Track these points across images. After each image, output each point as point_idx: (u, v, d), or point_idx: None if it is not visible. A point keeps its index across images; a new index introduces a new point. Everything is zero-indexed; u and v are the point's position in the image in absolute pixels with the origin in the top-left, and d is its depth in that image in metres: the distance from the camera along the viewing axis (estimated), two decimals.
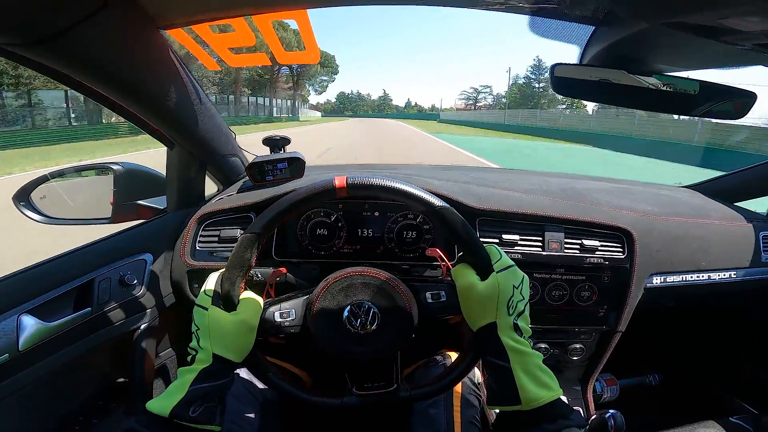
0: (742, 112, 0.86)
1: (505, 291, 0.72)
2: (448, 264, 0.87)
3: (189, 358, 0.74)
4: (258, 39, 0.87)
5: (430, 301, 0.82)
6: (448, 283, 0.83)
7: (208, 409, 0.69)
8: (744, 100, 0.85)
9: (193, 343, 0.74)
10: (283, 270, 0.98)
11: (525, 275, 0.77)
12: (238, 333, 0.74)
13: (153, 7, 0.73)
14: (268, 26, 0.81)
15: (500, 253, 0.78)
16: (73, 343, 0.94)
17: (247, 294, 0.79)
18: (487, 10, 0.81)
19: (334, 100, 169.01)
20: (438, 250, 0.89)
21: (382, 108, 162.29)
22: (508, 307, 0.72)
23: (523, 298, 0.74)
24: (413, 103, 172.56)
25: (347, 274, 0.81)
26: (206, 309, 0.74)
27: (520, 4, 0.77)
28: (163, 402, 0.68)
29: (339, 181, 0.75)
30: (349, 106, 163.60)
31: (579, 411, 1.43)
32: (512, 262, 0.77)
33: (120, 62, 0.75)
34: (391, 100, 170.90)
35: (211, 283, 0.78)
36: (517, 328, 0.72)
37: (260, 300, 0.80)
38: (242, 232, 1.13)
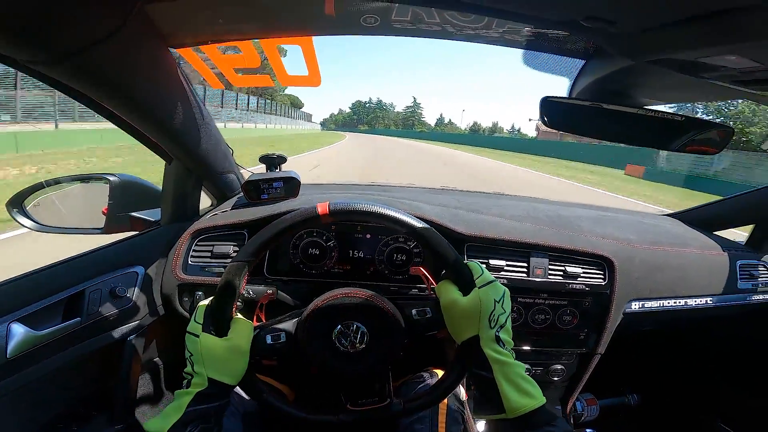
0: (722, 144, 0.91)
1: (486, 305, 0.76)
2: (433, 281, 0.90)
3: (184, 382, 0.76)
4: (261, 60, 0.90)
5: (416, 317, 0.85)
6: (433, 300, 0.86)
7: (204, 430, 0.71)
8: (723, 131, 0.90)
9: (188, 369, 0.76)
10: (272, 295, 1.01)
11: (506, 289, 0.80)
12: (231, 358, 0.77)
13: (166, 26, 0.76)
14: (273, 50, 0.85)
15: (482, 269, 0.81)
16: (61, 352, 0.94)
17: (238, 318, 0.81)
18: (484, 43, 0.85)
19: (347, 110, 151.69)
20: (422, 269, 0.92)
21: (410, 123, 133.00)
22: (489, 320, 0.75)
23: (504, 312, 0.78)
24: (446, 120, 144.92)
25: (336, 295, 0.84)
26: (197, 336, 0.76)
27: (515, 39, 0.82)
28: (160, 422, 0.69)
29: (321, 208, 0.78)
30: (365, 119, 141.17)
31: (563, 419, 1.45)
32: (493, 278, 0.80)
33: (132, 79, 0.77)
34: (421, 112, 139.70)
35: (201, 310, 0.80)
36: (499, 340, 0.75)
37: (251, 324, 0.82)
38: (235, 248, 1.15)
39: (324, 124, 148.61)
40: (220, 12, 0.76)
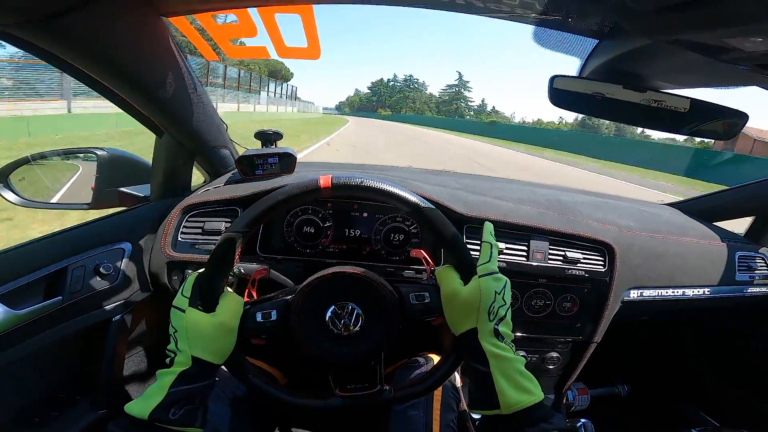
0: (731, 132, 0.89)
1: (486, 297, 0.73)
2: (433, 265, 0.87)
3: (168, 360, 0.72)
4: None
5: (414, 302, 0.82)
6: (432, 285, 0.83)
7: (189, 411, 0.68)
8: (734, 120, 0.87)
9: (171, 346, 0.72)
10: (264, 272, 0.97)
11: (507, 280, 0.77)
12: (218, 335, 0.73)
13: None
14: (271, 19, 0.80)
15: (490, 256, 0.77)
16: (41, 333, 0.90)
17: (228, 294, 0.77)
18: (493, 17, 0.81)
19: (366, 90, 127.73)
20: (423, 252, 0.90)
21: (452, 109, 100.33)
22: (489, 313, 0.72)
23: (505, 304, 0.75)
24: (489, 108, 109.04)
25: (331, 273, 0.80)
26: (183, 311, 0.72)
27: (526, 14, 0.78)
28: (141, 404, 0.66)
29: (324, 181, 0.74)
30: (387, 101, 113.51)
31: (560, 415, 1.46)
32: (496, 269, 0.77)
33: (118, 47, 0.73)
34: (470, 92, 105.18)
35: (189, 283, 0.76)
36: (497, 334, 0.73)
37: (241, 300, 0.78)
38: (227, 224, 1.11)
39: (339, 108, 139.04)
40: None
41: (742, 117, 0.84)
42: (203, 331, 0.71)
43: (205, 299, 0.74)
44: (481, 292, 0.73)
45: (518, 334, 1.27)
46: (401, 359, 1.17)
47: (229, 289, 0.78)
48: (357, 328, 0.79)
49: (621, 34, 0.74)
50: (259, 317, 0.78)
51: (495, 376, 0.70)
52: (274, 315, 0.79)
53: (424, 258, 0.89)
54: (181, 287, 0.76)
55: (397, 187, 0.76)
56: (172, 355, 0.71)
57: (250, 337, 0.78)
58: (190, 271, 1.10)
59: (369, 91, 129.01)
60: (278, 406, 0.80)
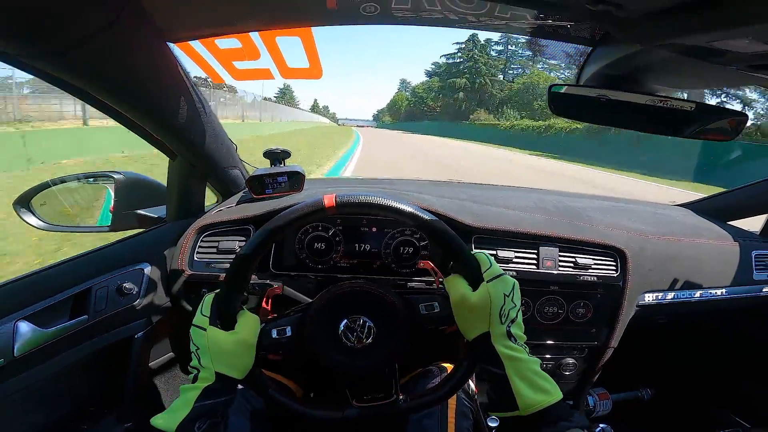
0: (734, 132, 0.89)
1: (496, 301, 0.74)
2: (440, 275, 0.88)
3: (191, 376, 0.75)
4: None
5: (424, 312, 0.83)
6: (442, 294, 0.84)
7: (213, 425, 0.70)
8: (736, 119, 0.87)
9: (194, 363, 0.75)
10: (278, 290, 1.01)
11: (515, 282, 0.78)
12: (238, 352, 0.75)
13: (163, 20, 0.75)
14: (273, 42, 0.84)
15: (490, 262, 0.79)
16: (68, 350, 0.95)
17: (245, 313, 0.80)
18: (489, 31, 0.83)
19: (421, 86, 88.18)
20: (430, 263, 0.91)
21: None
22: (500, 316, 0.73)
23: (515, 305, 0.76)
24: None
25: (342, 289, 0.82)
26: (204, 330, 0.75)
27: (520, 25, 0.80)
28: (168, 418, 0.68)
29: (328, 200, 0.76)
30: (453, 107, 67.62)
31: (580, 413, 1.44)
32: (502, 271, 0.78)
33: (129, 74, 0.76)
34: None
35: (207, 303, 0.79)
36: (510, 336, 0.73)
37: (257, 318, 0.81)
38: (241, 243, 1.14)
39: (377, 118, 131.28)
40: (218, 6, 0.75)
41: (743, 117, 0.84)
42: (225, 347, 0.74)
43: (224, 318, 0.76)
44: (490, 296, 0.74)
45: (532, 341, 1.26)
46: (415, 369, 1.17)
47: (245, 308, 0.81)
48: (369, 341, 0.80)
49: (612, 40, 0.76)
50: (274, 334, 0.81)
51: (511, 377, 0.70)
52: (288, 331, 0.82)
53: (432, 269, 0.91)
54: (200, 307, 0.79)
55: (400, 202, 0.78)
56: (196, 372, 0.74)
57: (266, 353, 0.81)
58: (206, 290, 1.13)
59: (422, 87, 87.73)
60: (296, 418, 0.82)
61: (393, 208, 0.77)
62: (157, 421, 0.68)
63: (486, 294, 0.74)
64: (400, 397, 0.82)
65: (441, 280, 0.86)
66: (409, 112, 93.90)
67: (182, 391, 0.73)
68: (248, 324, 0.78)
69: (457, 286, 0.78)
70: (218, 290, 0.79)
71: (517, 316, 0.76)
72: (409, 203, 0.79)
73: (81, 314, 0.96)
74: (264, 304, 0.95)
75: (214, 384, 0.72)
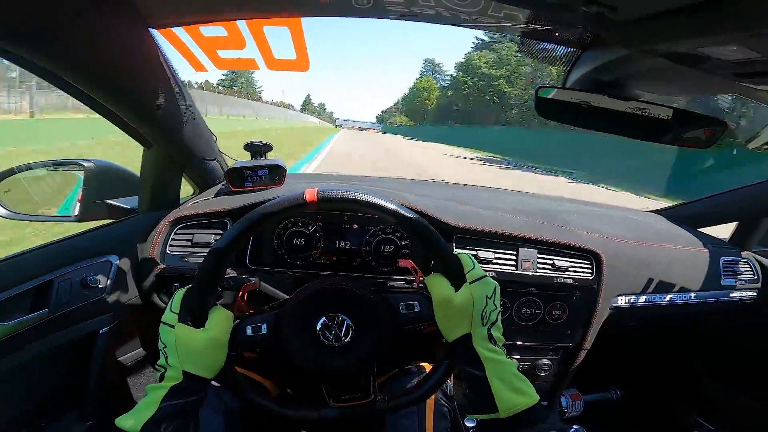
0: (711, 140, 0.91)
1: (478, 302, 0.74)
2: (421, 274, 0.87)
3: (158, 375, 0.72)
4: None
5: (404, 311, 0.82)
6: (422, 294, 0.84)
7: (180, 426, 0.68)
8: (714, 128, 0.90)
9: (161, 361, 0.72)
10: (255, 285, 0.98)
11: (497, 284, 0.78)
12: (208, 350, 0.73)
13: (145, 5, 0.71)
14: (260, 32, 0.81)
15: (473, 263, 0.79)
16: (29, 344, 0.90)
17: (217, 309, 0.77)
18: (480, 29, 0.83)
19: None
20: (410, 261, 0.90)
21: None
22: (482, 318, 0.73)
23: (496, 308, 0.76)
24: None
25: (321, 286, 0.81)
26: (173, 327, 0.72)
27: (511, 25, 0.80)
28: (132, 419, 0.66)
29: (309, 195, 0.74)
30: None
31: (556, 415, 1.47)
32: (484, 273, 0.78)
33: (107, 60, 0.73)
34: None
35: (177, 299, 0.76)
36: (491, 338, 0.74)
37: (230, 315, 0.78)
38: (217, 237, 1.11)
39: (382, 120, 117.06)
40: None
41: (721, 125, 0.86)
42: (193, 346, 0.71)
43: (194, 315, 0.74)
44: (473, 297, 0.74)
45: (509, 342, 1.28)
46: (393, 369, 1.17)
47: (218, 304, 0.78)
48: (348, 339, 0.79)
49: (601, 44, 0.76)
50: (249, 331, 0.79)
51: (491, 379, 0.70)
52: (264, 328, 0.79)
53: (413, 267, 0.90)
54: (170, 303, 0.76)
55: (384, 199, 0.77)
56: (162, 370, 0.71)
57: (241, 351, 0.78)
58: (177, 285, 1.09)
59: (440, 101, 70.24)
60: (272, 418, 0.79)
61: (376, 204, 0.76)
62: (121, 421, 0.65)
63: (468, 295, 0.74)
64: (379, 397, 0.81)
65: (422, 279, 0.86)
66: (444, 110, 64.83)
67: (149, 390, 0.70)
68: (220, 321, 0.75)
69: (439, 286, 0.78)
70: (190, 285, 0.76)
71: (497, 319, 0.76)
72: (391, 200, 0.77)
73: (42, 308, 0.91)
74: (239, 300, 0.92)
75: (181, 383, 0.70)
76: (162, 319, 0.74)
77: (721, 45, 0.55)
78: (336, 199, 0.75)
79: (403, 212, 0.77)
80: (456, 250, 1.18)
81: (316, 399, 0.82)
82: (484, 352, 0.72)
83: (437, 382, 0.82)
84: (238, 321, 0.79)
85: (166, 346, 0.72)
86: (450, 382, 1.13)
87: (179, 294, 0.76)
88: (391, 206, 0.76)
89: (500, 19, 0.76)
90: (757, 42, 0.52)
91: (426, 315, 0.81)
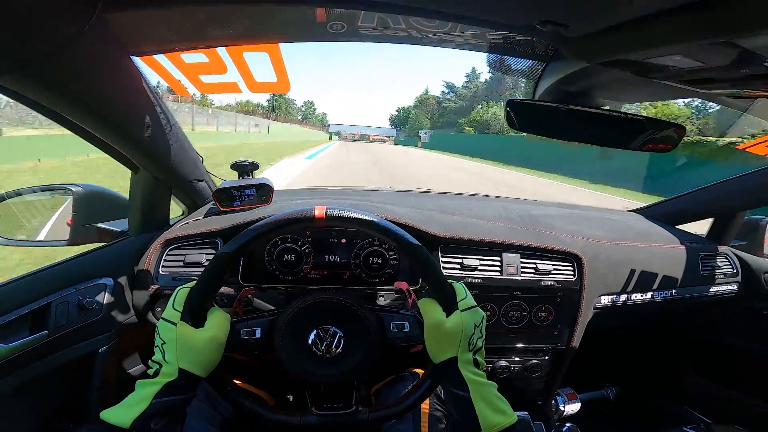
0: (676, 143, 0.96)
1: (467, 329, 0.78)
2: (415, 297, 0.91)
3: (151, 371, 0.73)
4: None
5: (394, 330, 0.85)
6: (413, 315, 0.86)
7: (169, 422, 0.69)
8: (676, 132, 0.94)
9: (157, 357, 0.73)
10: (252, 290, 1.00)
11: (484, 314, 0.83)
12: (207, 349, 0.74)
13: (126, 35, 0.74)
14: (240, 57, 0.84)
15: (465, 292, 0.83)
16: (29, 365, 0.93)
17: (216, 310, 0.79)
18: (451, 48, 0.87)
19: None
20: (405, 284, 0.95)
21: None
22: (469, 343, 0.78)
23: (482, 336, 0.81)
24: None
25: (316, 299, 0.83)
26: (174, 324, 0.73)
27: (480, 43, 0.84)
28: (122, 413, 0.66)
29: (318, 211, 0.77)
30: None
31: (548, 413, 1.50)
32: (475, 303, 0.82)
33: (91, 89, 0.75)
34: None
35: (180, 297, 0.77)
36: (476, 362, 0.79)
37: (228, 316, 0.80)
38: (209, 256, 1.13)
39: (399, 123, 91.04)
40: (183, 21, 0.75)
41: (681, 129, 0.91)
42: (193, 344, 0.73)
43: (195, 314, 0.75)
44: (463, 324, 0.78)
45: (499, 345, 1.31)
46: (389, 376, 1.19)
47: (216, 306, 0.80)
48: (339, 351, 0.81)
49: (562, 57, 0.81)
50: (243, 334, 0.81)
51: (475, 400, 0.74)
52: (258, 333, 0.81)
53: (407, 290, 0.94)
54: (172, 300, 0.77)
55: (389, 224, 0.80)
56: (157, 366, 0.72)
57: (232, 352, 0.80)
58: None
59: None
60: (262, 425, 0.81)
61: (382, 227, 0.79)
62: (109, 415, 0.65)
63: (459, 322, 0.78)
64: (360, 408, 0.84)
65: (414, 300, 0.90)
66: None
67: (139, 386, 0.70)
68: (219, 321, 0.77)
69: (432, 310, 0.81)
70: (192, 285, 0.78)
71: (482, 346, 0.81)
72: (395, 226, 0.80)
73: (41, 329, 0.93)
74: (236, 305, 0.95)
75: (176, 380, 0.70)
76: (163, 316, 0.75)
77: (665, 55, 0.59)
78: (344, 218, 0.78)
79: (406, 238, 0.80)
80: (442, 259, 1.22)
81: (300, 405, 0.85)
82: (468, 375, 0.76)
83: (417, 400, 0.85)
84: (234, 323, 0.81)
85: (165, 343, 0.73)
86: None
87: (182, 292, 0.78)
88: (396, 231, 0.80)
89: (467, 38, 0.80)
90: (698, 52, 0.56)
91: (415, 336, 0.84)
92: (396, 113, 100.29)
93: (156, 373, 0.72)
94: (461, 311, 0.79)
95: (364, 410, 0.84)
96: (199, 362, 0.73)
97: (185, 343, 0.73)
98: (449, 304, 0.81)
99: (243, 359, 0.83)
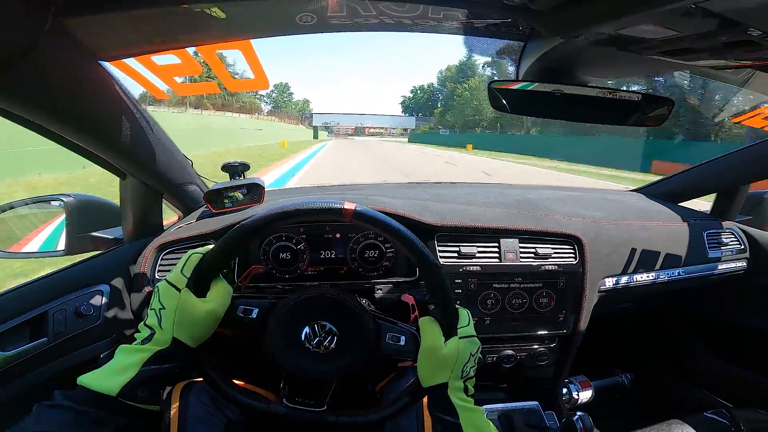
0: (664, 118, 0.93)
1: (463, 357, 0.77)
2: (417, 314, 0.91)
3: (140, 336, 0.69)
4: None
5: (389, 341, 0.83)
6: (411, 332, 0.85)
7: (155, 391, 0.67)
8: (666, 106, 0.92)
9: (151, 321, 0.69)
10: (261, 269, 1.00)
11: (480, 344, 0.82)
12: (205, 322, 0.71)
13: (90, 39, 0.73)
14: (213, 56, 0.83)
15: (469, 320, 0.82)
16: (30, 372, 0.94)
17: (219, 281, 0.75)
18: (424, 32, 0.85)
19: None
20: (412, 298, 0.95)
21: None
22: (462, 371, 0.77)
23: (475, 366, 0.80)
24: None
25: (321, 293, 0.82)
26: (179, 290, 0.70)
27: (452, 25, 0.82)
28: (108, 379, 0.63)
29: (348, 206, 0.75)
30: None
31: (558, 401, 1.48)
32: (475, 333, 0.81)
33: (60, 96, 0.75)
34: None
35: (191, 263, 0.73)
36: (465, 389, 0.78)
37: (230, 290, 0.77)
38: None
39: (418, 110, 74.66)
40: (147, 23, 0.74)
41: (669, 102, 0.88)
42: (193, 315, 0.70)
43: (201, 283, 0.72)
44: (459, 351, 0.77)
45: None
46: (391, 373, 1.18)
47: (221, 278, 0.76)
48: (332, 347, 0.80)
49: (539, 34, 0.79)
50: (240, 311, 0.78)
51: (465, 427, 0.74)
52: (254, 313, 0.79)
53: (413, 305, 0.94)
54: (181, 264, 0.73)
55: (414, 237, 0.77)
56: (150, 332, 0.69)
57: (222, 327, 0.77)
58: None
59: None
60: (275, 429, 0.81)
61: (406, 238, 0.76)
62: (89, 380, 0.62)
63: (456, 349, 0.77)
64: (330, 409, 0.82)
65: (416, 317, 0.90)
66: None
67: (125, 351, 0.67)
68: (221, 294, 0.74)
69: (432, 333, 0.79)
70: (205, 250, 0.75)
71: (473, 374, 0.80)
72: (417, 240, 0.77)
73: (40, 337, 0.95)
74: (243, 280, 0.95)
75: (167, 349, 0.67)
76: (167, 278, 0.72)
77: (636, 25, 0.57)
78: (370, 219, 0.75)
79: (427, 256, 0.77)
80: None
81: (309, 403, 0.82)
82: (458, 402, 0.76)
83: (390, 414, 0.82)
84: (234, 297, 0.79)
85: (163, 308, 0.69)
86: None
87: (194, 258, 0.74)
88: (419, 246, 0.77)
89: (440, 20, 0.79)
90: (669, 19, 0.54)
91: (408, 351, 0.82)
92: (411, 95, 79.55)
93: (149, 338, 0.68)
94: (459, 338, 0.78)
95: (333, 416, 0.82)
96: (193, 334, 0.71)
97: (185, 313, 0.69)
98: (449, 328, 0.79)
99: (233, 335, 0.81)
